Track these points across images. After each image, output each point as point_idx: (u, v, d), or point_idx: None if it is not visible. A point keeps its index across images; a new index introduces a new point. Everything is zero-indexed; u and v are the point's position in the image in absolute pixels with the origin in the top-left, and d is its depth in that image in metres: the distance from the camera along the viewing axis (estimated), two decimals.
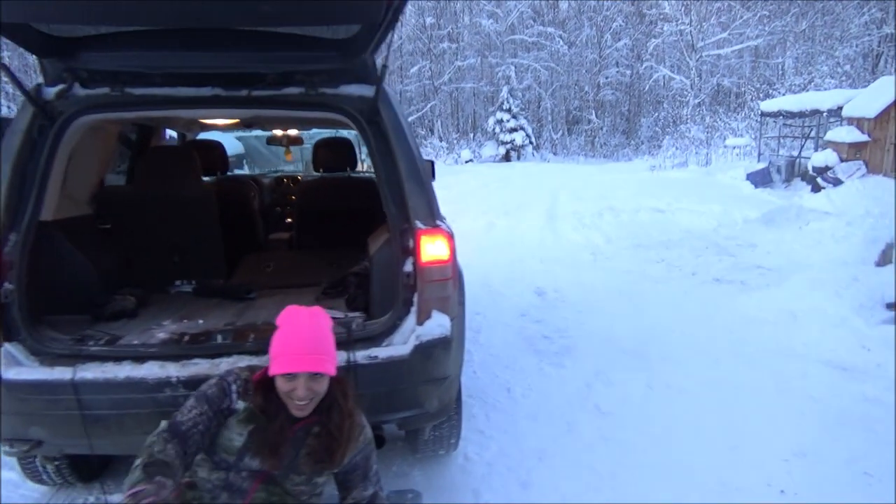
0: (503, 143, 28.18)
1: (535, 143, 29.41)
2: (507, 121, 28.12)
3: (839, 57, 23.37)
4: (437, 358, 2.46)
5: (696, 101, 25.88)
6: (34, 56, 2.41)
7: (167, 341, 2.41)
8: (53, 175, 2.46)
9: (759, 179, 13.98)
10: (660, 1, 27.96)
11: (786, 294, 5.43)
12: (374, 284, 2.67)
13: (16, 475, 3.06)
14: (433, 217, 2.55)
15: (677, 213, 10.54)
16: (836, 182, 10.76)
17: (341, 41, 2.33)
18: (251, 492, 1.93)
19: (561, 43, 32.05)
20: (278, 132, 5.30)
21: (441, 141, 29.51)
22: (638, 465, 3.15)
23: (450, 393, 2.62)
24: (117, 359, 2.30)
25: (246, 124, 4.49)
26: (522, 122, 28.62)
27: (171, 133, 4.85)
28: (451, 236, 2.57)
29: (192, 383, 2.11)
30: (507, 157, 27.98)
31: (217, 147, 4.10)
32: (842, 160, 11.50)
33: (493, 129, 28.54)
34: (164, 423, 1.84)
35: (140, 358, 2.30)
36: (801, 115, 15.10)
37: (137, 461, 1.70)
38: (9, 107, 13.60)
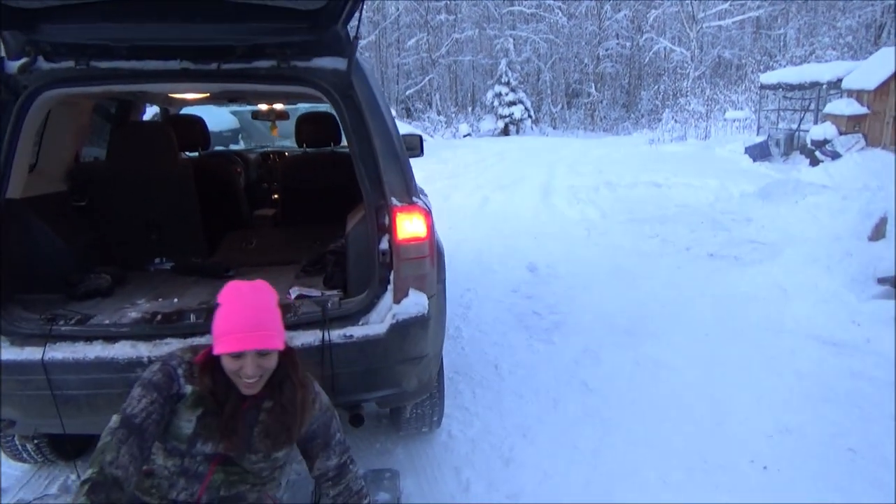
0: (502, 116, 27.97)
1: (534, 117, 29.19)
2: (506, 94, 27.88)
3: (841, 28, 23.07)
4: (415, 337, 2.43)
5: (697, 73, 25.61)
6: None
7: (139, 321, 2.38)
8: (19, 152, 2.40)
9: (758, 153, 13.87)
10: None
11: (778, 269, 5.40)
12: (350, 262, 2.62)
13: None
14: (409, 194, 2.50)
15: (674, 187, 10.47)
16: (835, 155, 10.67)
17: (312, 12, 2.26)
18: (208, 475, 1.88)
19: (560, 14, 31.64)
20: (263, 107, 5.22)
21: (439, 115, 29.29)
22: (621, 441, 3.14)
23: (428, 371, 2.60)
24: (88, 338, 2.27)
25: (226, 99, 4.40)
26: (521, 95, 28.37)
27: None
28: (428, 213, 2.52)
29: None
30: (505, 131, 27.79)
31: (197, 122, 4.02)
32: (840, 133, 11.40)
33: (492, 103, 28.30)
34: (115, 419, 1.76)
35: (111, 338, 2.27)
36: (800, 87, 14.94)
37: (86, 474, 1.63)
38: None
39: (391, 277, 2.46)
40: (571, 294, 5.50)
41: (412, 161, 3.10)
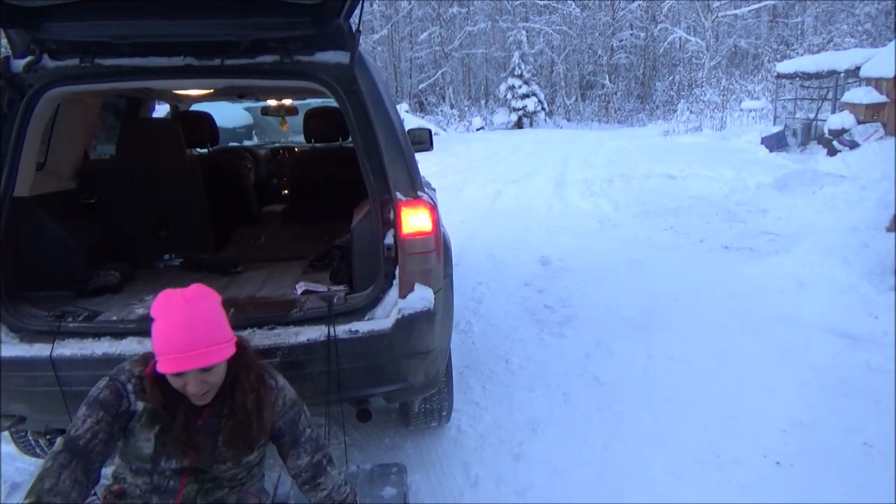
0: (515, 109, 27.85)
1: (547, 110, 29.05)
2: (519, 87, 27.75)
3: (860, 15, 22.67)
4: (420, 331, 2.42)
5: (712, 63, 25.32)
6: None
7: (146, 317, 2.37)
8: (26, 150, 2.41)
9: (775, 143, 13.69)
10: None
11: (794, 261, 5.32)
12: (356, 257, 2.61)
13: (12, 449, 3.10)
14: (414, 188, 2.48)
15: (689, 178, 10.37)
16: (853, 145, 10.50)
17: (314, 6, 2.24)
18: (180, 489, 1.79)
19: (573, 5, 31.41)
20: (272, 102, 5.22)
21: (452, 108, 29.22)
22: (632, 436, 3.11)
23: (436, 366, 2.58)
24: (96, 335, 2.28)
25: (233, 94, 4.41)
26: (534, 87, 28.24)
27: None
28: (433, 207, 2.50)
29: None
30: (518, 124, 27.67)
31: (206, 118, 4.03)
32: (859, 122, 11.21)
33: (505, 96, 28.19)
34: (59, 441, 1.68)
35: (119, 334, 2.28)
36: (818, 76, 14.71)
37: (24, 500, 1.57)
38: None
39: (396, 272, 2.44)
40: (584, 287, 5.46)
41: (422, 155, 3.09)
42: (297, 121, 5.79)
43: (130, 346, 2.22)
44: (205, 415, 1.79)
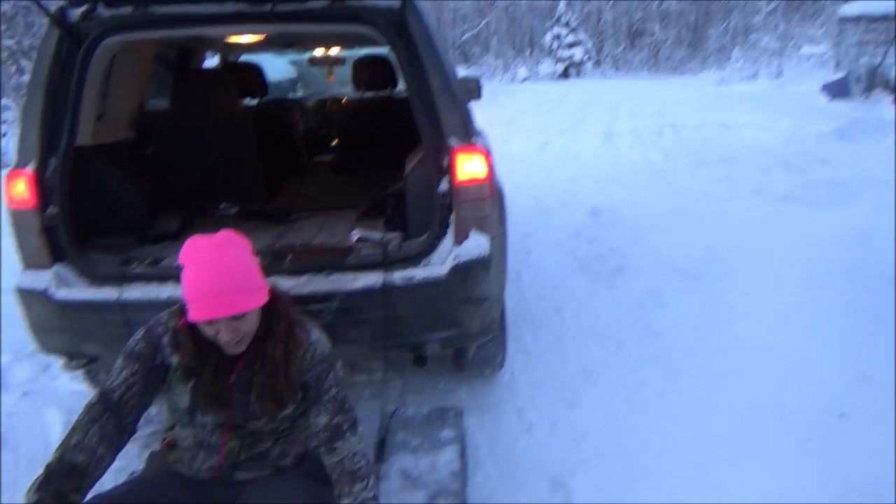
0: (561, 59, 27.14)
1: (594, 59, 28.20)
2: (565, 36, 26.98)
3: None
4: (476, 278, 2.41)
5: (770, 7, 24.04)
6: None
7: None
8: (86, 99, 2.45)
9: (836, 91, 13.02)
10: None
11: (856, 212, 5.13)
12: (410, 205, 2.60)
13: (86, 387, 3.25)
14: (468, 134, 2.45)
15: (743, 128, 10.00)
16: None
17: None
18: (223, 445, 1.78)
19: None
20: (319, 53, 5.18)
21: (497, 59, 28.64)
22: (687, 386, 3.07)
23: (491, 313, 2.58)
24: (161, 279, 2.34)
25: (282, 44, 4.39)
26: (581, 36, 27.40)
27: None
28: (488, 153, 2.47)
29: None
30: (565, 75, 26.99)
31: (255, 70, 4.04)
32: None
33: (551, 46, 27.46)
34: (95, 394, 1.69)
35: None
36: (884, 18, 13.83)
37: (50, 459, 1.56)
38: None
39: (451, 219, 2.43)
40: (635, 238, 5.36)
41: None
42: (343, 72, 5.77)
43: None
44: (238, 369, 1.75)
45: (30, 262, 2.39)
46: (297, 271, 2.37)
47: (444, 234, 2.44)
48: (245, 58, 4.96)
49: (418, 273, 2.37)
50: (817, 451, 2.57)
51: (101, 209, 2.63)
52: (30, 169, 2.32)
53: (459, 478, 2.18)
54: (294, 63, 7.88)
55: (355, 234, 2.64)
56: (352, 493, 1.67)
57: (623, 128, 10.45)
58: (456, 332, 2.49)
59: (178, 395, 1.74)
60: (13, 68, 13.30)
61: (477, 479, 2.53)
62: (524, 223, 5.77)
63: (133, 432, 1.73)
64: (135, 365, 1.71)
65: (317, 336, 1.84)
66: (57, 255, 2.38)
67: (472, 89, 3.54)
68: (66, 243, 2.36)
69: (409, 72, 2.44)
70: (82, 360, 2.44)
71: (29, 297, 2.36)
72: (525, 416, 2.93)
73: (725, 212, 5.97)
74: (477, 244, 2.41)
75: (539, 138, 10.02)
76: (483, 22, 30.97)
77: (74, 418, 2.70)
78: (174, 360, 1.74)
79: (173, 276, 2.35)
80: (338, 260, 2.41)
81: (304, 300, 2.28)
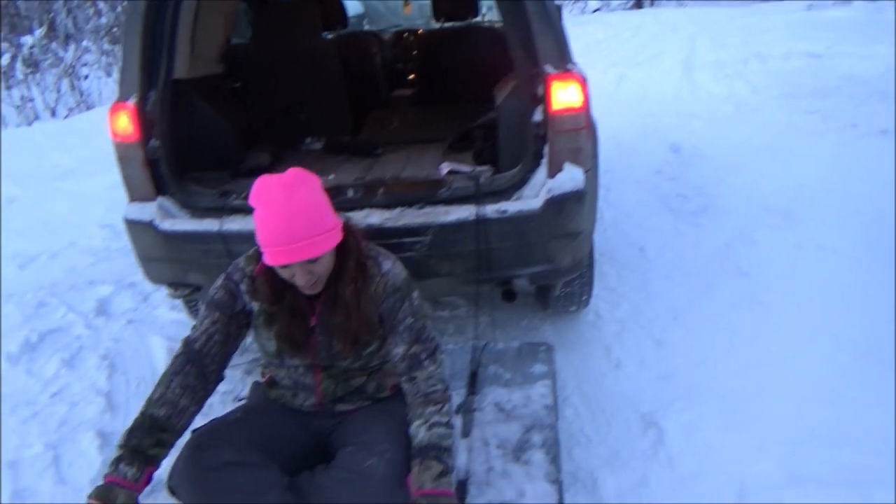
0: None
1: None
2: None
3: None
4: (569, 212, 2.35)
5: None
6: None
7: None
8: (181, 32, 2.47)
9: None
10: None
11: None
12: (502, 136, 2.54)
13: (185, 316, 3.41)
14: (564, 60, 2.34)
15: (836, 57, 9.26)
16: None
17: None
18: (317, 385, 1.81)
19: None
20: None
21: None
22: (783, 328, 2.96)
23: (582, 249, 2.53)
24: None
25: None
26: None
27: None
28: (584, 81, 2.36)
29: None
30: (638, 4, 25.56)
31: (334, 0, 3.98)
32: None
33: None
34: (180, 344, 1.73)
35: None
36: None
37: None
38: None
39: (545, 151, 2.36)
40: (719, 175, 5.12)
41: None
42: (416, 5, 5.63)
43: None
44: (317, 311, 1.74)
45: (135, 195, 2.47)
46: (389, 204, 2.37)
47: (538, 166, 2.37)
48: None
49: (511, 206, 2.33)
50: None
51: (196, 143, 2.68)
52: (131, 102, 2.38)
53: (553, 412, 2.19)
54: None
55: (445, 167, 2.61)
56: (423, 416, 1.64)
57: (704, 59, 9.86)
58: (547, 268, 2.45)
59: (264, 339, 1.77)
60: (91, 10, 13.59)
61: (565, 414, 2.54)
62: (603, 160, 5.49)
63: (219, 380, 1.77)
64: (215, 313, 1.72)
65: (388, 266, 1.77)
66: (159, 187, 2.45)
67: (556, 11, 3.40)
68: (167, 176, 2.43)
69: None
70: (186, 289, 2.55)
71: (136, 228, 2.45)
72: (612, 354, 2.90)
73: (817, 148, 5.62)
74: (571, 177, 2.34)
75: (614, 72, 9.59)
76: None
77: (176, 345, 2.83)
78: (255, 305, 1.75)
79: None
80: (429, 193, 2.39)
81: (397, 233, 2.30)
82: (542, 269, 2.47)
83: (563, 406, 2.57)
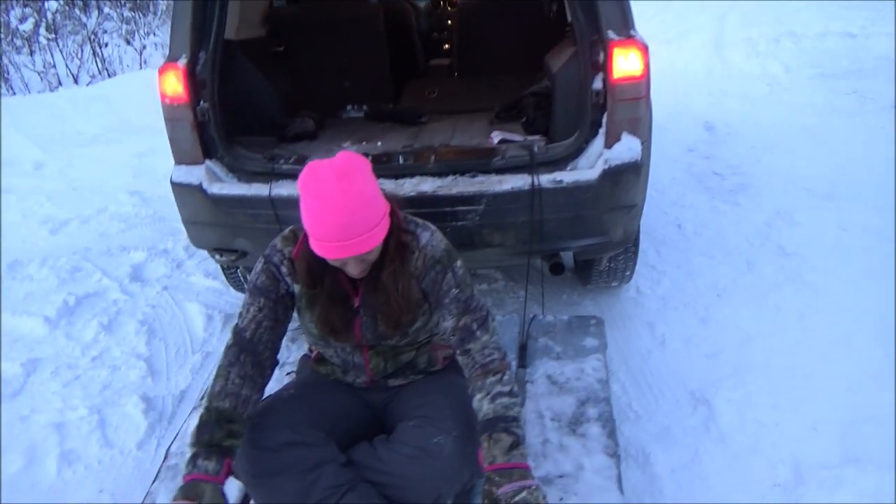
0: None
1: None
2: None
3: None
4: (626, 184, 2.30)
5: None
6: None
7: None
8: None
9: None
10: None
11: None
12: (558, 105, 2.48)
13: (219, 284, 3.40)
14: (627, 27, 2.27)
15: (872, 37, 9.02)
16: None
17: None
18: (366, 364, 1.77)
19: None
20: None
21: None
22: (830, 308, 2.91)
23: (635, 222, 2.49)
24: None
25: None
26: None
27: None
28: (646, 49, 2.30)
29: None
30: None
31: None
32: None
33: None
34: (230, 334, 1.67)
35: None
36: None
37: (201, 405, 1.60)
38: None
39: (603, 120, 2.30)
40: (755, 155, 5.03)
41: None
42: None
43: None
44: (361, 291, 1.67)
45: (182, 158, 2.43)
46: (441, 172, 2.32)
47: (595, 136, 2.32)
48: None
49: (567, 176, 2.27)
50: None
51: (243, 107, 2.63)
52: (182, 63, 2.32)
53: (607, 386, 2.16)
54: None
55: (496, 136, 2.56)
56: (484, 388, 1.56)
57: (734, 37, 9.64)
58: (601, 241, 2.41)
59: (307, 321, 1.72)
60: None
61: (613, 389, 2.48)
62: None
63: (275, 364, 1.72)
64: (260, 300, 1.66)
65: (427, 238, 1.66)
66: (207, 150, 2.41)
67: None
68: (216, 139, 2.39)
69: None
70: (231, 255, 2.51)
71: (183, 191, 2.41)
72: (656, 331, 2.86)
73: (855, 128, 5.51)
74: (629, 147, 2.29)
75: None
76: None
77: (213, 312, 2.75)
78: (296, 287, 1.68)
79: None
80: (483, 161, 2.34)
81: (449, 202, 2.25)
82: (595, 242, 2.43)
83: (610, 381, 2.53)
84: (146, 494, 1.89)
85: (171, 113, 2.37)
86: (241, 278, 3.00)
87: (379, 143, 2.67)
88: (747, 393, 2.44)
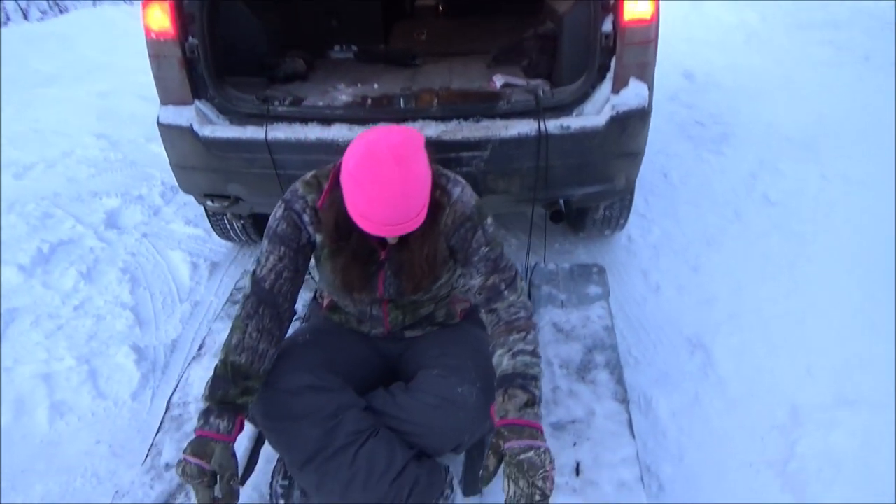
0: None
1: None
2: None
3: None
4: (633, 131, 2.26)
5: None
6: None
7: (351, 104, 2.32)
8: None
9: None
10: None
11: None
12: (564, 47, 2.40)
13: (201, 231, 3.29)
14: None
15: None
16: None
17: None
18: (385, 317, 1.75)
19: None
20: None
21: None
22: (817, 256, 2.98)
23: (637, 170, 2.46)
24: (304, 120, 2.24)
25: None
26: None
27: None
28: None
29: None
30: None
31: None
32: None
33: None
34: (248, 283, 1.60)
35: (326, 120, 2.23)
36: None
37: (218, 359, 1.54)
38: None
39: (611, 64, 2.24)
40: (736, 104, 5.04)
41: None
42: None
43: (341, 132, 2.18)
44: (388, 247, 1.60)
45: (169, 97, 2.28)
46: (444, 116, 2.24)
47: (602, 80, 2.26)
48: None
49: (574, 122, 2.22)
50: None
51: (232, 45, 2.48)
52: None
53: (613, 333, 2.16)
54: None
55: (499, 80, 2.48)
56: (506, 344, 1.53)
57: None
58: (605, 188, 2.39)
59: (328, 272, 1.66)
60: None
61: None
62: None
63: (293, 315, 1.67)
64: (281, 248, 1.58)
65: (458, 193, 1.59)
66: (196, 90, 2.27)
67: None
68: (206, 78, 2.25)
69: None
70: (224, 201, 2.41)
71: (172, 133, 2.28)
72: (650, 278, 2.89)
73: (833, 78, 5.55)
74: (637, 93, 2.24)
75: None
76: None
77: (197, 260, 2.63)
78: (318, 237, 1.61)
79: (317, 117, 2.26)
80: (488, 105, 2.26)
81: (454, 147, 2.19)
82: (598, 190, 2.40)
83: None
84: (151, 446, 1.85)
85: (156, 49, 2.21)
86: (228, 225, 2.90)
87: (376, 86, 2.56)
88: (743, 339, 2.50)
